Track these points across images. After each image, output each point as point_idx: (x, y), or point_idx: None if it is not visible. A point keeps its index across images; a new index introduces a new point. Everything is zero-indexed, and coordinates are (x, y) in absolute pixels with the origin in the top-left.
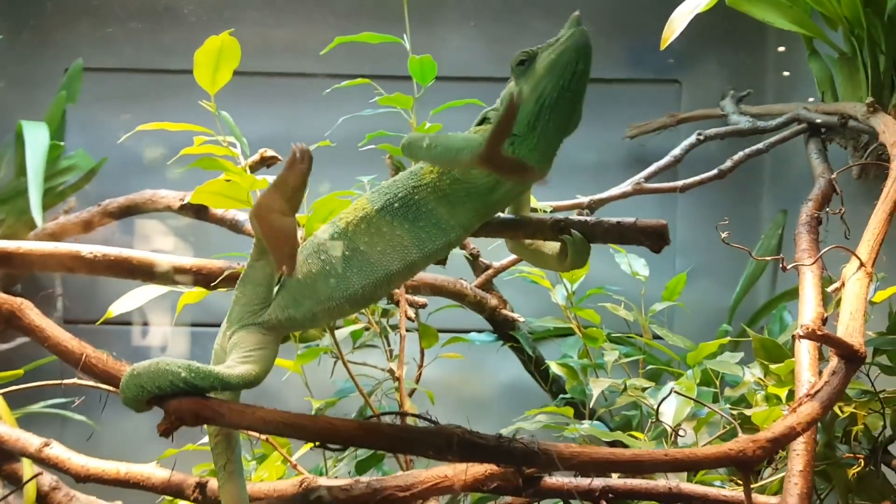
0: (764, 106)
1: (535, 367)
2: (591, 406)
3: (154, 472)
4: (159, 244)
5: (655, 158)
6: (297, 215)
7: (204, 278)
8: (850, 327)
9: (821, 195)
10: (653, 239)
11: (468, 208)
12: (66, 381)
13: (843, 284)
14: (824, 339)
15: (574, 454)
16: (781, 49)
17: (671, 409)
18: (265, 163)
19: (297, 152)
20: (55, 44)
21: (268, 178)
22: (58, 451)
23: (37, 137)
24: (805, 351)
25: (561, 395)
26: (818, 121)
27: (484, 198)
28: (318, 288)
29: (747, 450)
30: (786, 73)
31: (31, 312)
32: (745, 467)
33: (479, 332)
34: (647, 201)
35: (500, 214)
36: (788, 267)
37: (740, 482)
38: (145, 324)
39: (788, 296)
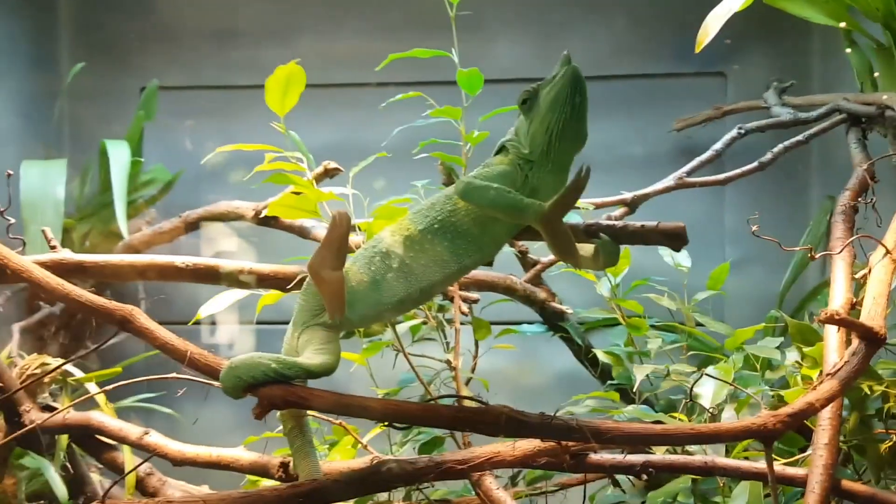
0: (805, 97)
1: (585, 355)
2: (636, 390)
3: (242, 454)
4: (224, 245)
5: (702, 151)
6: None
7: (275, 282)
8: (873, 311)
9: (858, 184)
10: (672, 240)
11: (499, 227)
12: (169, 376)
13: (869, 271)
14: (843, 323)
15: (609, 429)
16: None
17: (709, 392)
18: (328, 174)
19: (336, 217)
20: (132, 65)
21: (333, 190)
22: (156, 438)
23: (120, 155)
24: (833, 334)
25: (609, 382)
26: (858, 111)
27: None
28: (370, 295)
29: (768, 423)
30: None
31: (142, 317)
32: (767, 440)
33: (531, 323)
34: (695, 194)
35: None
36: (817, 256)
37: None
38: (213, 323)
39: None
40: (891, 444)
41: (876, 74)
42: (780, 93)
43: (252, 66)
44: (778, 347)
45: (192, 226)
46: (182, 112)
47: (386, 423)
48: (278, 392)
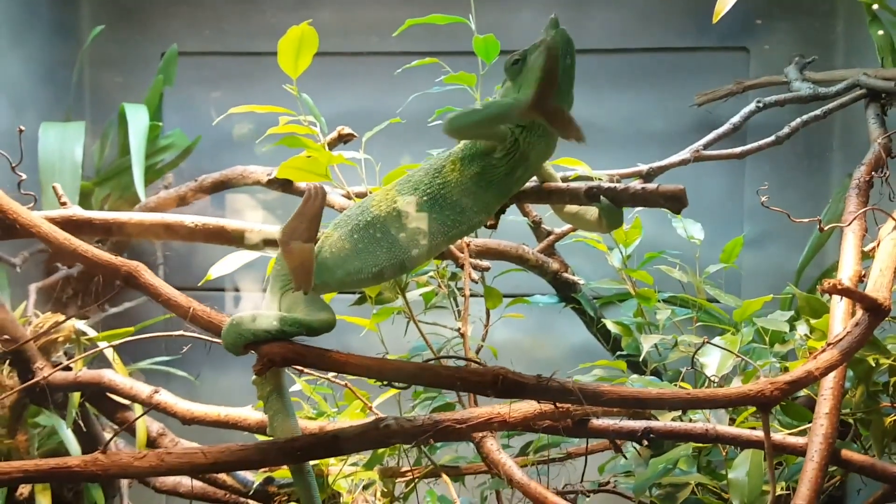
0: (826, 72)
1: (597, 327)
2: (642, 359)
3: (250, 414)
4: (249, 217)
5: (721, 125)
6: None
7: None
8: (878, 282)
9: (874, 159)
10: (672, 202)
11: (489, 195)
12: (173, 334)
13: (878, 244)
14: (845, 293)
15: (603, 391)
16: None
17: (715, 361)
18: (342, 139)
19: (311, 190)
20: (152, 30)
21: (344, 154)
22: (165, 397)
23: (138, 119)
24: (839, 306)
25: (618, 353)
26: (877, 86)
27: (503, 183)
28: (350, 263)
29: (765, 390)
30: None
31: (147, 273)
32: (764, 407)
33: (543, 295)
34: (715, 170)
35: (550, 183)
36: (826, 228)
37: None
38: (236, 290)
39: None
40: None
41: None
42: (801, 68)
43: (272, 32)
44: (788, 321)
45: (208, 189)
46: (203, 78)
47: (384, 382)
48: (278, 349)
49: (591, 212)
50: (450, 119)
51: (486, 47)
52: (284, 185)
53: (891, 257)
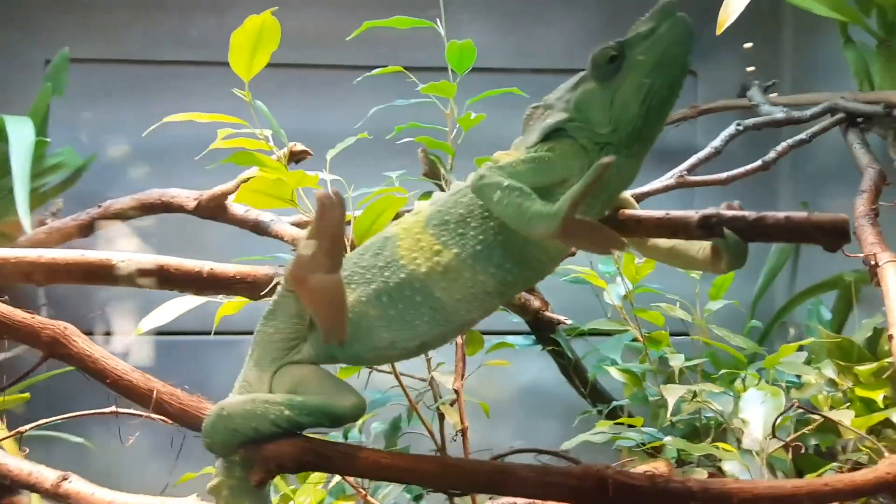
0: (794, 95)
1: (575, 370)
2: (669, 415)
3: None
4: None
5: (674, 151)
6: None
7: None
8: None
9: (873, 186)
10: (829, 236)
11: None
12: (121, 411)
13: None
14: None
15: (733, 491)
16: None
17: (758, 418)
18: (294, 157)
19: (325, 200)
20: (39, 34)
21: (313, 174)
22: (78, 485)
23: (21, 133)
24: None
25: (614, 402)
26: (859, 110)
27: None
28: (377, 334)
29: None
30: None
31: (79, 339)
32: None
33: (515, 334)
34: (659, 196)
35: (632, 211)
36: (882, 264)
37: None
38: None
39: (819, 290)
40: None
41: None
42: (764, 91)
43: (180, 39)
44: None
45: (116, 217)
46: (97, 88)
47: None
48: (289, 450)
49: (698, 247)
50: (477, 181)
51: (460, 55)
52: (214, 211)
53: None
